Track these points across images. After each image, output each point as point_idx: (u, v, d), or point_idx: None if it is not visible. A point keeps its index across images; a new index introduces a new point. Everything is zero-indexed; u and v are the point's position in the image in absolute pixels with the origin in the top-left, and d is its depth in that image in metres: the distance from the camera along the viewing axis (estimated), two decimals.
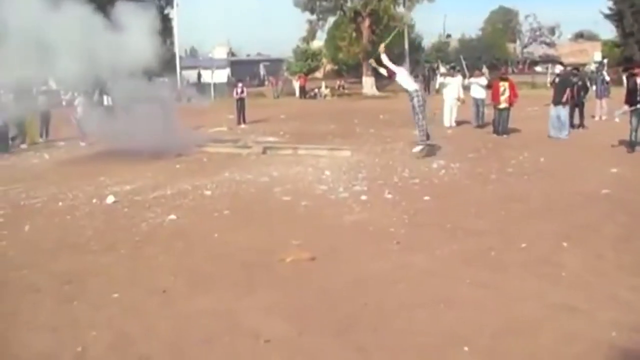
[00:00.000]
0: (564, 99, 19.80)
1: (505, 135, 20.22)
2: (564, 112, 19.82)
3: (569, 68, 28.86)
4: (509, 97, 20.67)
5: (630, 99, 16.04)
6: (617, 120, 16.61)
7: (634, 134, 16.04)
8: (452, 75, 25.14)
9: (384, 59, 16.19)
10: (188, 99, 34.96)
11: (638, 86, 15.91)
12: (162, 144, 16.93)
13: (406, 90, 16.21)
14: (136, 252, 8.62)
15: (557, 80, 21.29)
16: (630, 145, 16.09)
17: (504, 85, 20.86)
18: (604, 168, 13.92)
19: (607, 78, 27.43)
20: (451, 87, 24.14)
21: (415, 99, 15.86)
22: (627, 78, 17.05)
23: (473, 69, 28.16)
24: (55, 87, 26.78)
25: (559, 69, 22.51)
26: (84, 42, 15.34)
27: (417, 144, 16.27)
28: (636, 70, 16.47)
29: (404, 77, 16.29)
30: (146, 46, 16.51)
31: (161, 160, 16.11)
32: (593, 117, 24.32)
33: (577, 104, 22.18)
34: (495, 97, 20.96)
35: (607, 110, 24.78)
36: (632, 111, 15.98)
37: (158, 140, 16.94)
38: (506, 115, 20.75)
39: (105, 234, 9.49)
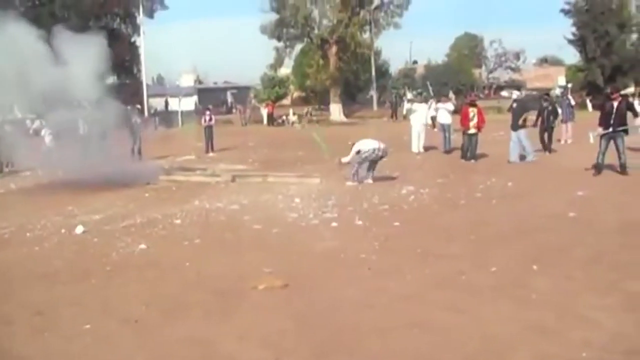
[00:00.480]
0: (520, 123, 20.16)
1: (473, 161, 20.43)
2: (523, 136, 20.11)
3: (534, 93, 29.32)
4: (478, 122, 20.90)
5: (604, 122, 16.27)
6: (591, 141, 16.83)
7: (601, 156, 16.29)
8: (420, 102, 25.34)
9: (345, 160, 16.40)
10: (155, 127, 34.88)
11: (614, 110, 16.15)
12: (127, 173, 17.00)
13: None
14: (107, 282, 8.56)
15: (514, 105, 21.53)
16: (597, 167, 16.33)
17: (473, 111, 21.10)
18: (571, 191, 14.08)
19: (573, 102, 27.92)
20: (418, 114, 24.32)
21: (371, 154, 16.05)
22: (604, 102, 17.30)
23: (439, 95, 28.44)
24: (20, 116, 26.54)
25: (516, 94, 22.82)
26: (24, 69, 15.41)
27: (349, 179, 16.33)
28: (614, 95, 16.73)
29: (362, 143, 16.32)
30: (87, 76, 16.67)
31: (130, 189, 16.05)
32: (559, 140, 24.64)
33: (546, 128, 22.52)
34: (464, 123, 21.16)
35: (571, 134, 25.19)
36: (603, 135, 16.23)
37: (122, 169, 17.00)
38: (475, 140, 20.97)
39: (76, 264, 9.42)
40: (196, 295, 7.85)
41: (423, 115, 24.11)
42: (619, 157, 16.26)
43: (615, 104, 16.31)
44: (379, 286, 7.95)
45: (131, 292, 8.07)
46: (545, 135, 22.51)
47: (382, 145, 16.16)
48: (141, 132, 25.08)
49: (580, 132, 21.43)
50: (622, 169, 16.30)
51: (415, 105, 25.35)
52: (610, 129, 16.07)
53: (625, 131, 16.35)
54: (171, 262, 9.45)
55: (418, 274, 8.41)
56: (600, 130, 16.38)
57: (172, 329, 6.76)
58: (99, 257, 9.82)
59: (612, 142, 16.17)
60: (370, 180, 15.95)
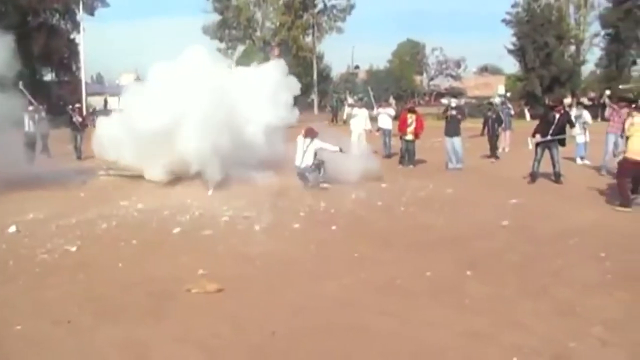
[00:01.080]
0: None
1: (411, 166, 20.61)
2: (458, 143, 20.46)
3: (473, 101, 29.69)
4: (415, 128, 21.10)
5: (543, 130, 16.64)
6: (530, 147, 17.10)
7: (536, 164, 16.69)
8: (361, 107, 25.41)
9: (327, 146, 16.33)
10: (94, 126, 34.22)
11: (555, 120, 16.55)
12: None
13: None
14: (39, 282, 8.40)
15: (454, 112, 21.73)
16: (532, 175, 16.67)
17: (411, 117, 21.31)
18: (506, 198, 14.31)
19: (512, 111, 28.38)
20: (358, 119, 24.41)
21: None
22: (546, 112, 17.78)
23: (380, 100, 28.57)
24: None
25: (454, 102, 23.04)
26: None
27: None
28: (558, 107, 17.21)
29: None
30: None
31: (65, 189, 15.73)
32: (497, 148, 25.01)
33: (491, 136, 22.88)
34: (402, 128, 21.35)
35: (509, 142, 25.62)
36: (539, 143, 16.60)
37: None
38: (412, 146, 21.16)
39: (6, 265, 9.21)
40: (130, 297, 7.76)
41: (363, 121, 24.19)
42: (554, 166, 16.69)
43: (557, 115, 16.78)
44: (315, 290, 7.98)
45: (64, 293, 7.93)
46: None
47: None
48: (45, 130, 24.70)
49: (518, 140, 21.78)
50: (557, 178, 16.72)
51: (355, 110, 25.41)
52: (549, 137, 16.43)
53: (562, 142, 16.76)
54: (105, 263, 9.32)
55: (354, 279, 8.45)
56: (538, 137, 16.71)
57: (106, 331, 6.68)
58: (30, 257, 9.62)
59: (547, 151, 16.56)
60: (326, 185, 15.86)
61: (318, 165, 15.90)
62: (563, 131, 16.79)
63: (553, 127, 16.55)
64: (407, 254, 9.76)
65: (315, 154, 15.93)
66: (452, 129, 20.56)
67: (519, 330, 6.61)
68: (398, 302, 7.52)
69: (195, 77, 15.73)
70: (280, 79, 19.13)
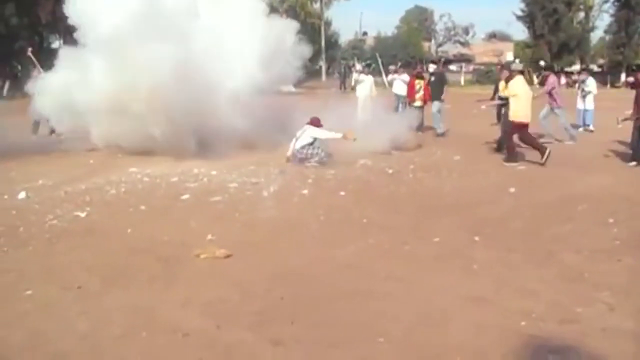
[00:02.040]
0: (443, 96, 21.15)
1: (420, 133, 20.57)
2: (436, 107, 21.00)
3: (482, 67, 29.42)
4: (424, 95, 21.10)
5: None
6: (619, 126, 16.49)
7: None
8: (366, 74, 25.31)
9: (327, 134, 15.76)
10: None
11: None
12: None
13: None
14: (49, 248, 8.44)
15: (432, 78, 21.86)
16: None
17: (419, 84, 21.31)
18: (513, 165, 14.32)
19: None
20: (364, 85, 24.34)
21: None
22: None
23: (388, 67, 28.42)
24: None
25: (432, 67, 23.09)
26: None
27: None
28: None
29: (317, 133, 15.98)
30: None
31: (75, 155, 15.75)
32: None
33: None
34: (410, 94, 21.35)
35: None
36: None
37: None
38: (421, 113, 21.13)
39: (16, 231, 9.26)
40: (139, 262, 7.80)
41: (368, 87, 24.11)
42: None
43: None
44: (323, 256, 8.01)
45: (73, 258, 7.97)
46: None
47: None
48: None
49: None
50: None
51: (362, 77, 25.31)
52: None
53: None
54: (114, 229, 9.35)
55: (362, 244, 8.49)
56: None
57: (114, 295, 6.72)
58: (40, 223, 9.66)
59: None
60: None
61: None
62: None
63: None
64: (415, 220, 9.78)
65: (313, 141, 15.06)
66: (433, 94, 21.05)
67: (526, 295, 6.63)
68: (405, 267, 7.55)
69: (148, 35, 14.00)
70: (269, 30, 17.40)
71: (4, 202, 11.02)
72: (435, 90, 21.16)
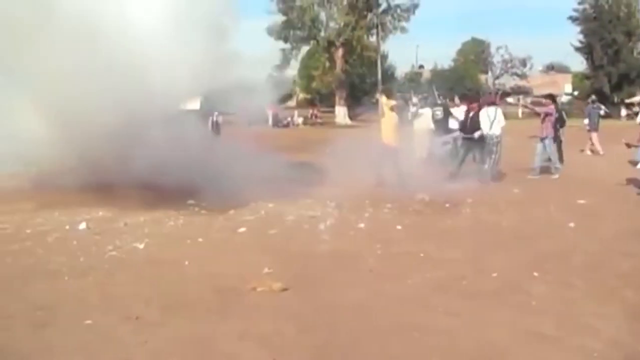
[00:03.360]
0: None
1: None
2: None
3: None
4: None
5: None
6: None
7: None
8: (422, 106, 25.28)
9: None
10: None
11: None
12: None
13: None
14: (108, 278, 8.57)
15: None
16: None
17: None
18: (573, 199, 14.11)
19: (602, 111, 27.35)
20: (422, 118, 24.28)
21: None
22: None
23: (446, 99, 28.25)
24: None
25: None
26: None
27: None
28: None
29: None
30: None
31: (134, 187, 15.90)
32: (582, 151, 24.73)
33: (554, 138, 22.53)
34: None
35: (596, 143, 24.98)
36: None
37: None
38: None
39: (77, 261, 9.43)
40: (196, 293, 7.87)
41: (427, 120, 24.05)
42: None
43: None
44: (379, 289, 7.97)
45: (132, 289, 8.08)
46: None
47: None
48: None
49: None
50: None
51: (420, 110, 25.23)
52: None
53: None
54: (172, 260, 9.46)
55: (419, 278, 8.43)
56: None
57: (172, 326, 6.79)
58: (100, 254, 9.82)
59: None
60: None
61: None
62: None
63: None
64: (473, 254, 9.68)
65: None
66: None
67: (587, 332, 6.50)
68: (463, 302, 7.47)
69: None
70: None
71: (65, 233, 11.25)
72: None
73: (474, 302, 7.48)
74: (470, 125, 16.65)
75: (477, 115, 16.94)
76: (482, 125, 17.14)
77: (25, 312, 7.24)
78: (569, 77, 78.44)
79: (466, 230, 11.40)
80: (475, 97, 19.28)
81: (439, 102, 23.60)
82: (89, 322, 6.92)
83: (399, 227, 11.62)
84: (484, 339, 6.39)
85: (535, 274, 8.57)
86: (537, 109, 19.02)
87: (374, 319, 6.95)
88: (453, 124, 23.96)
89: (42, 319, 7.04)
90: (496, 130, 17.18)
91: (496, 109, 17.59)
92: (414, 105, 25.22)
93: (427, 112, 24.61)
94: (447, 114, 22.52)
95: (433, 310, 7.20)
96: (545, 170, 18.24)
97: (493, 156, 17.18)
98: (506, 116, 22.53)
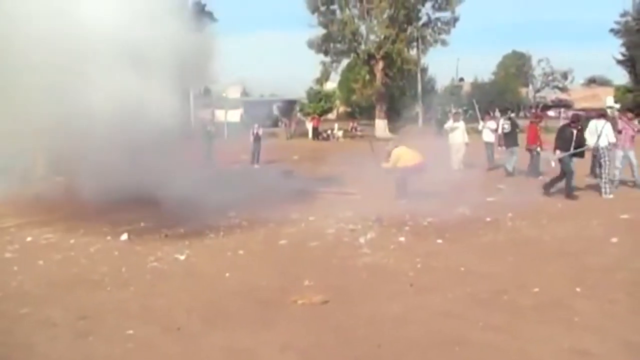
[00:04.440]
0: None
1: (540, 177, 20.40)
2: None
3: (582, 113, 28.58)
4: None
5: None
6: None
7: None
8: (458, 120, 25.16)
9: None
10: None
11: None
12: None
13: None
14: (149, 289, 8.69)
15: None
16: None
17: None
18: (617, 214, 13.92)
19: None
20: (458, 131, 24.22)
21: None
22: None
23: (483, 113, 28.14)
24: None
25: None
26: None
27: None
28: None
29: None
30: None
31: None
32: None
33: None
34: (535, 141, 21.37)
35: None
36: None
37: None
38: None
39: (119, 272, 9.55)
40: (237, 305, 7.92)
41: (461, 134, 24.01)
42: None
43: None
44: (420, 303, 7.95)
45: (173, 300, 8.17)
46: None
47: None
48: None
49: None
50: None
51: (456, 124, 25.11)
52: None
53: None
54: (213, 271, 9.55)
55: (459, 292, 8.38)
56: None
57: (214, 337, 6.84)
58: (141, 265, 9.94)
59: None
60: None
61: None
62: None
63: None
64: (514, 269, 9.60)
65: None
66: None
67: (632, 349, 6.41)
68: (504, 317, 7.41)
69: None
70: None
71: (107, 244, 11.39)
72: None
73: (515, 317, 7.42)
74: (576, 141, 16.38)
75: (580, 131, 16.73)
76: (588, 138, 17.06)
77: (69, 321, 7.37)
78: (611, 90, 77.41)
79: (507, 244, 11.30)
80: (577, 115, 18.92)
81: (508, 115, 23.83)
82: (130, 332, 7.00)
83: (439, 240, 11.56)
84: (525, 354, 6.34)
85: (578, 289, 8.46)
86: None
87: (414, 333, 6.93)
88: (488, 135, 24.07)
89: (84, 328, 7.16)
90: (604, 142, 17.05)
91: (605, 123, 17.37)
92: (452, 118, 25.26)
93: (461, 125, 24.59)
94: (515, 126, 22.65)
95: (474, 325, 7.15)
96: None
97: (603, 169, 16.99)
98: (548, 129, 22.39)
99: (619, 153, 17.75)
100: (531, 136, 21.39)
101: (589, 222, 13.20)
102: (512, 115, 26.60)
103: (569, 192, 16.28)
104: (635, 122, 19.79)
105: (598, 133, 16.90)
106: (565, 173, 16.30)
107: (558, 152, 16.44)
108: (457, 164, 23.63)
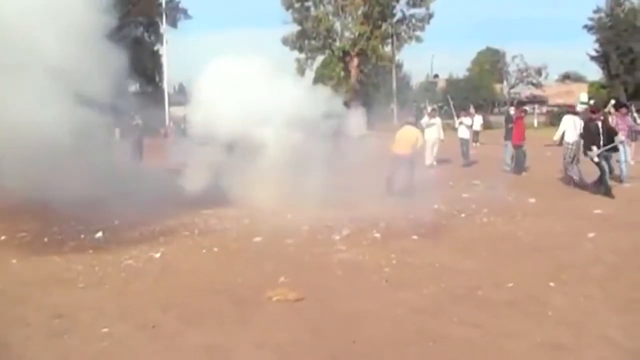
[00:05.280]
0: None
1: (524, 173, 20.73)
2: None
3: (555, 109, 28.92)
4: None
5: None
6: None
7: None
8: (433, 116, 25.21)
9: None
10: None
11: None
12: None
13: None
14: (124, 287, 8.61)
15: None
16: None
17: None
18: (590, 210, 14.03)
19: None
20: (433, 128, 24.29)
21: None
22: None
23: (460, 109, 28.25)
24: None
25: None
26: None
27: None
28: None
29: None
30: None
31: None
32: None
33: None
34: (522, 137, 21.57)
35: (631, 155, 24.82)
36: None
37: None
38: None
39: (92, 269, 9.47)
40: (212, 303, 7.89)
41: (437, 130, 24.09)
42: None
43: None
44: (395, 299, 7.96)
45: (148, 298, 8.12)
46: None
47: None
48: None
49: None
50: None
51: (432, 120, 25.18)
52: None
53: None
54: (188, 269, 9.50)
55: (434, 288, 8.40)
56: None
57: (189, 335, 6.81)
58: (116, 262, 9.86)
59: None
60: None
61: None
62: None
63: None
64: (488, 265, 9.64)
65: None
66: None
67: (605, 344, 6.46)
68: (479, 313, 7.44)
69: None
70: None
71: (81, 242, 11.28)
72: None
73: (490, 313, 7.46)
74: (606, 135, 16.32)
75: (605, 122, 16.79)
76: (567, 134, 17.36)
77: (43, 320, 7.29)
78: (585, 86, 78.02)
79: (482, 240, 11.34)
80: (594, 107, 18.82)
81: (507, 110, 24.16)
82: (105, 330, 6.95)
83: (414, 237, 11.58)
84: (500, 349, 6.36)
85: (552, 284, 8.52)
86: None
87: (389, 329, 6.94)
88: (463, 132, 24.15)
89: (59, 327, 7.10)
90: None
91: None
92: (428, 115, 25.27)
93: (437, 121, 24.67)
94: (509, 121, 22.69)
95: (449, 321, 7.18)
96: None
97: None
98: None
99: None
100: (519, 133, 21.48)
101: (565, 217, 13.29)
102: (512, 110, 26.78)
103: (606, 191, 16.12)
104: (628, 117, 19.93)
105: (579, 130, 17.08)
106: (600, 170, 16.30)
107: (595, 149, 16.25)
108: (430, 159, 23.70)
